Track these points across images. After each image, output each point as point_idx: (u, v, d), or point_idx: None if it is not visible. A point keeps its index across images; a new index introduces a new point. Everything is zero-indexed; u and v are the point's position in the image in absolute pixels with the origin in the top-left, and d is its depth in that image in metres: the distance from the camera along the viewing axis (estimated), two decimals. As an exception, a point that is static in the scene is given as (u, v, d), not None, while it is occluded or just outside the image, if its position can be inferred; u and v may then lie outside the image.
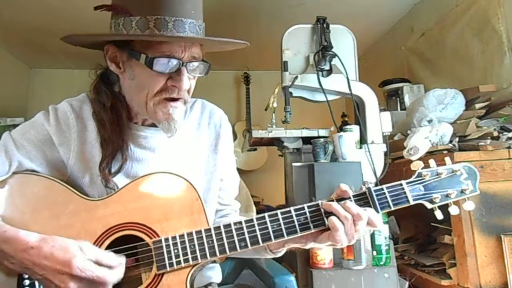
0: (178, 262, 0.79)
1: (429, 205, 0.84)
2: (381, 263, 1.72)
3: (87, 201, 0.85)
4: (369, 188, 0.83)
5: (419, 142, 1.85)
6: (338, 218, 0.79)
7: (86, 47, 0.94)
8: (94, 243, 0.80)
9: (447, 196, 0.84)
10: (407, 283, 1.88)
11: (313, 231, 0.82)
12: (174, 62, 0.84)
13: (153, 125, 0.94)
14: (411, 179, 0.85)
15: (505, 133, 1.78)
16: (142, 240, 0.82)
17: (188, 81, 0.87)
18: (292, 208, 0.82)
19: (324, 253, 1.71)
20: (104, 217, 0.82)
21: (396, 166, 2.13)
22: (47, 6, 2.80)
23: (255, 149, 3.97)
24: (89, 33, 0.86)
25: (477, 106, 1.99)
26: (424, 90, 2.64)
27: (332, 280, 1.68)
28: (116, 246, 0.81)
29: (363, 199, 0.83)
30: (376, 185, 1.90)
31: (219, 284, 1.05)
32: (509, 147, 1.72)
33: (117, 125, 0.90)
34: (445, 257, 1.83)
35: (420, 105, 2.07)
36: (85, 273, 0.72)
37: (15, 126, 3.28)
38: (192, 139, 1.01)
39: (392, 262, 1.75)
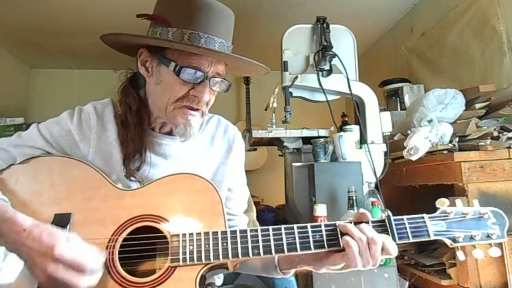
0: (191, 258, 0.81)
1: (450, 243, 0.82)
2: (381, 263, 1.71)
3: (118, 190, 0.91)
4: (388, 216, 0.83)
5: (419, 142, 1.85)
6: (353, 238, 0.80)
7: (117, 50, 1.01)
8: (117, 228, 0.85)
9: (472, 238, 0.82)
10: (407, 283, 1.88)
11: (327, 250, 0.82)
12: (199, 74, 0.91)
13: (169, 134, 1.02)
14: (434, 214, 0.83)
15: (505, 133, 1.78)
16: (161, 232, 0.85)
17: (208, 94, 0.94)
18: (309, 225, 0.84)
19: (324, 253, 1.71)
20: (130, 207, 0.88)
21: (396, 166, 2.13)
22: (47, 6, 2.80)
23: (255, 149, 3.97)
24: (135, 34, 0.93)
25: (477, 106, 1.99)
26: (424, 90, 2.65)
27: (332, 280, 1.68)
28: (137, 234, 0.85)
29: (382, 226, 0.83)
30: (376, 185, 1.92)
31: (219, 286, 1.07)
32: (509, 147, 1.72)
33: (139, 127, 0.98)
34: (445, 257, 1.83)
35: (420, 105, 2.07)
36: (65, 257, 0.73)
37: (15, 126, 3.31)
38: (205, 150, 1.06)
39: (392, 262, 1.75)
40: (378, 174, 1.94)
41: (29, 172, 0.92)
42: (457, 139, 1.85)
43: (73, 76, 4.15)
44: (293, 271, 0.96)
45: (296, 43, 2.10)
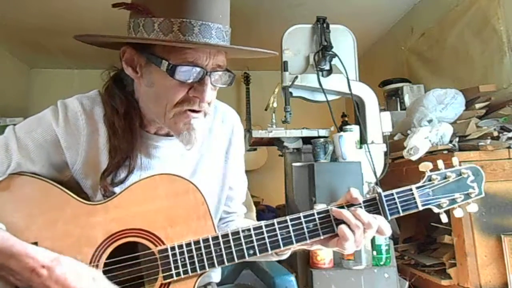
0: (185, 272, 0.77)
1: (436, 210, 0.83)
2: (381, 263, 1.72)
3: (86, 205, 0.79)
4: (379, 194, 0.81)
5: (419, 142, 1.85)
6: (349, 226, 0.77)
7: (98, 46, 0.88)
8: (95, 251, 0.76)
9: (454, 200, 0.83)
10: (407, 283, 1.88)
11: (322, 238, 0.80)
12: (197, 70, 0.77)
13: (166, 135, 0.90)
14: (421, 184, 0.84)
15: (505, 133, 1.78)
16: (146, 247, 0.78)
17: (211, 92, 0.80)
18: (301, 214, 0.80)
19: (324, 253, 1.71)
20: (105, 223, 0.77)
21: (396, 166, 2.13)
22: (47, 6, 2.80)
23: (255, 149, 3.97)
24: (108, 35, 0.79)
25: (477, 106, 1.99)
26: (424, 90, 2.65)
27: (332, 280, 1.68)
28: (119, 254, 0.77)
29: (373, 205, 0.81)
30: (376, 185, 1.92)
31: (218, 284, 1.04)
32: (509, 147, 1.72)
33: (129, 133, 0.84)
34: (445, 257, 1.83)
35: (420, 105, 2.08)
36: None
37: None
38: (204, 148, 0.95)
39: (392, 262, 1.75)
40: (378, 174, 1.94)
41: None
42: (457, 139, 1.85)
43: (73, 76, 4.15)
44: (288, 252, 0.90)
45: (296, 43, 2.10)
